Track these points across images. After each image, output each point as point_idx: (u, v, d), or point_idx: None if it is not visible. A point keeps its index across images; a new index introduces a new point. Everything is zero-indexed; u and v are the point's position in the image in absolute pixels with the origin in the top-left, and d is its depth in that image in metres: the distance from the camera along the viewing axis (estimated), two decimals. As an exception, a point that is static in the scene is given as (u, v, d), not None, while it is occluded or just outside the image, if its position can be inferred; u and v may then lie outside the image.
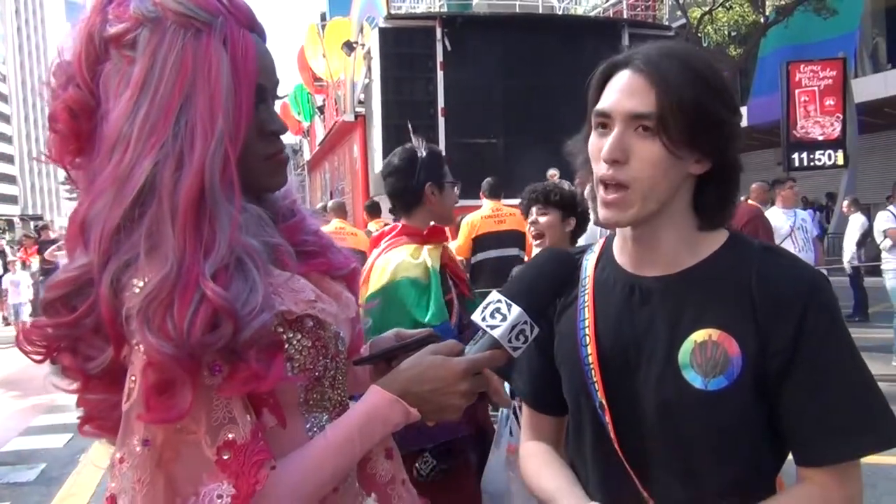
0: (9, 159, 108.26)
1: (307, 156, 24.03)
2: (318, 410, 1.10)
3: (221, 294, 0.92)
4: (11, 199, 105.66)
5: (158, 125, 0.95)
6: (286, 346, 1.02)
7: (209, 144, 0.95)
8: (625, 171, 1.14)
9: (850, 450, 1.11)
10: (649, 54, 1.16)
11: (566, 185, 3.19)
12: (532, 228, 3.10)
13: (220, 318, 0.91)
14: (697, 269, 1.19)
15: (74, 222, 1.00)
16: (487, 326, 1.11)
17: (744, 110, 19.79)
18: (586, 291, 1.29)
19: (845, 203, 11.26)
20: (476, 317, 1.12)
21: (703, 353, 1.14)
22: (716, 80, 1.15)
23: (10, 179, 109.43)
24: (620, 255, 1.28)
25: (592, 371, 1.24)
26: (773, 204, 7.86)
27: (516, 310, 1.11)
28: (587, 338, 1.26)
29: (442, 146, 11.20)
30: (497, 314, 1.11)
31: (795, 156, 14.84)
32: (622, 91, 1.15)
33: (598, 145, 1.16)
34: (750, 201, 7.75)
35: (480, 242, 6.29)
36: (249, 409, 0.97)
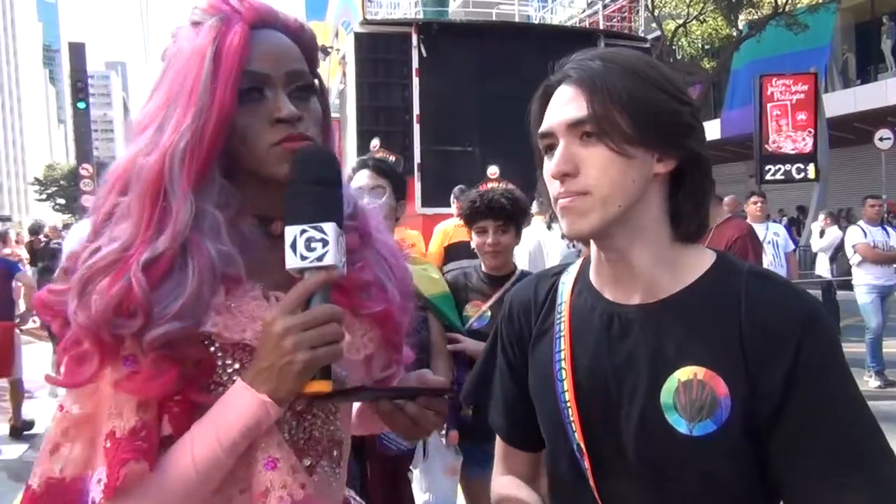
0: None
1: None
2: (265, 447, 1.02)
3: (142, 287, 0.95)
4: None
5: (148, 121, 1.03)
6: (217, 369, 1.01)
7: (177, 132, 1.00)
8: (577, 183, 1.06)
9: None
10: (581, 62, 1.09)
11: (514, 189, 2.94)
12: (489, 249, 2.84)
13: (135, 310, 0.95)
14: (681, 297, 1.10)
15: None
16: (316, 260, 0.97)
17: (716, 123, 20.00)
18: (562, 319, 1.19)
19: (822, 216, 11.37)
20: (293, 264, 0.97)
21: (688, 393, 1.05)
22: (653, 72, 1.08)
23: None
24: (597, 278, 1.18)
25: (569, 409, 1.14)
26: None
27: (330, 225, 0.97)
28: (563, 371, 1.16)
29: (417, 153, 11.14)
30: (313, 243, 0.97)
31: (768, 169, 14.99)
32: (558, 105, 1.09)
33: (549, 167, 1.09)
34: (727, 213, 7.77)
35: (453, 251, 6.18)
36: (145, 411, 0.97)
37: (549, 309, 1.23)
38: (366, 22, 11.93)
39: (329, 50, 13.80)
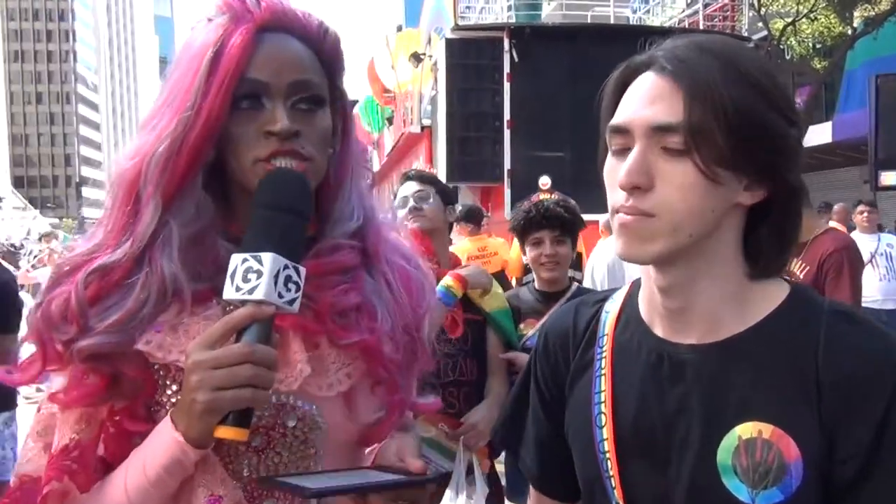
0: (97, 166, 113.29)
1: (376, 166, 24.27)
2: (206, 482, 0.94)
3: (79, 296, 0.93)
4: (100, 206, 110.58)
5: (148, 120, 0.99)
6: (158, 391, 0.96)
7: (160, 137, 0.95)
8: (648, 200, 0.87)
9: None
10: (676, 49, 0.89)
11: (568, 199, 2.82)
12: (546, 260, 2.69)
13: (72, 318, 0.92)
14: (745, 338, 0.91)
15: None
16: (247, 293, 0.87)
17: (828, 126, 18.95)
18: (604, 354, 1.02)
19: None
20: (228, 294, 0.88)
21: (751, 454, 0.86)
22: (767, 81, 0.88)
23: (100, 185, 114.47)
24: (647, 309, 1.00)
25: (608, 461, 0.97)
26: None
27: (268, 256, 0.87)
28: (603, 416, 0.99)
29: (507, 159, 11.00)
30: (250, 274, 0.87)
31: (883, 174, 14.06)
32: (642, 98, 0.89)
33: (615, 170, 0.90)
34: (832, 223, 7.21)
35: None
36: (84, 429, 0.94)
37: (590, 341, 1.06)
38: (457, 27, 11.91)
39: (422, 56, 13.86)
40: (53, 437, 0.97)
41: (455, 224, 7.41)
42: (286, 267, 0.87)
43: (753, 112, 0.85)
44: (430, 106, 12.89)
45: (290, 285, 0.88)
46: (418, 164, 3.21)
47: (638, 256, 0.90)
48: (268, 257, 0.86)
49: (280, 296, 0.87)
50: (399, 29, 20.02)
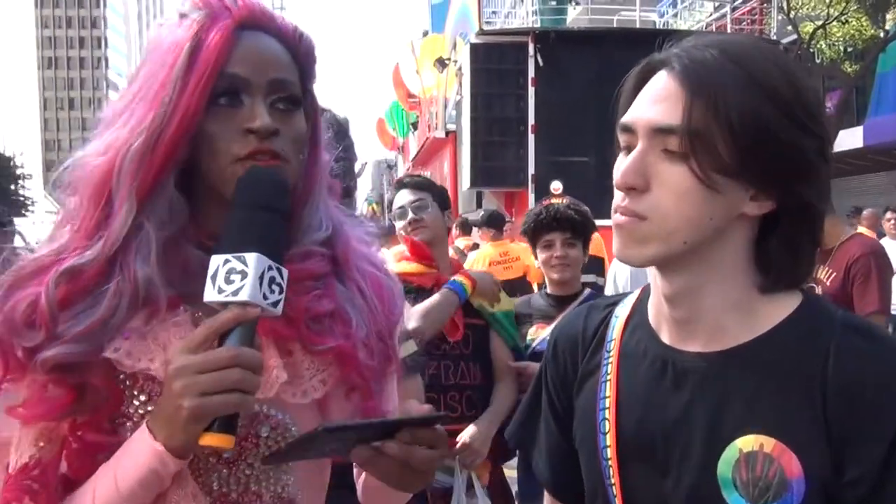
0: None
1: (401, 171, 24.33)
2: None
3: (51, 299, 0.87)
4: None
5: (114, 117, 0.95)
6: (124, 402, 0.91)
7: (134, 133, 0.91)
8: (643, 202, 0.85)
9: None
10: (693, 49, 0.87)
11: (580, 203, 2.81)
12: (557, 262, 2.66)
13: (40, 323, 0.88)
14: (752, 348, 0.89)
15: None
16: (231, 294, 0.84)
17: (859, 130, 18.65)
18: (610, 360, 1.01)
19: None
20: (210, 296, 0.85)
21: (751, 468, 0.84)
22: (785, 87, 0.84)
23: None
24: (654, 314, 0.98)
25: (610, 468, 0.96)
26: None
27: (252, 256, 0.84)
28: (606, 422, 0.98)
29: (531, 164, 10.97)
30: (233, 275, 0.84)
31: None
32: (650, 98, 0.87)
33: (617, 171, 0.89)
34: (861, 228, 7.07)
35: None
36: (46, 445, 0.89)
37: (597, 346, 1.04)
38: (482, 32, 11.90)
39: (446, 62, 13.88)
40: (2, 460, 0.92)
41: (477, 229, 7.42)
42: (270, 268, 0.86)
43: (760, 118, 0.82)
44: (455, 111, 12.91)
45: (274, 287, 0.86)
46: (409, 166, 3.21)
47: (632, 258, 0.89)
48: (252, 257, 0.84)
49: (265, 297, 0.85)
50: (424, 34, 20.06)
